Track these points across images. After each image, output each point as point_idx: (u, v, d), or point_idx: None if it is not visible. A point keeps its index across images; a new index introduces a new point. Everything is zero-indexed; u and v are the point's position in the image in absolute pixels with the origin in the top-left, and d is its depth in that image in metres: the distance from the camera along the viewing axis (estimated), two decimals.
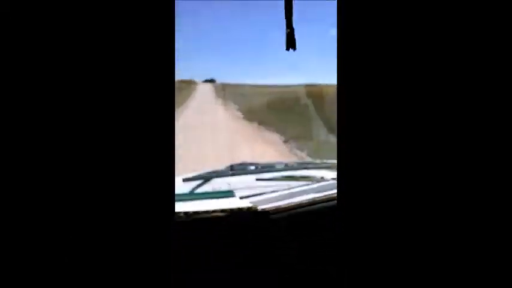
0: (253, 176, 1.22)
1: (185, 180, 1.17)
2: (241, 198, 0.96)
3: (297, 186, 0.90)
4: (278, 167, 1.29)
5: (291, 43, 0.67)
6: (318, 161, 1.31)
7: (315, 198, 0.80)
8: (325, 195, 0.80)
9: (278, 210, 0.76)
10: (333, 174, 1.13)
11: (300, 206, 0.78)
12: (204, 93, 14.17)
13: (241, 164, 1.37)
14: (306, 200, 0.80)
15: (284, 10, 0.66)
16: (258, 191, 1.00)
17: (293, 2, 0.66)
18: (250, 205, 0.80)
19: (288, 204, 0.79)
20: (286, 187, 0.98)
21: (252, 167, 1.33)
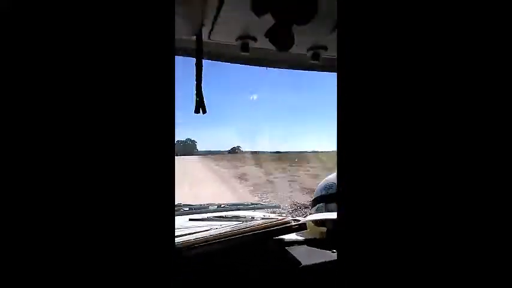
0: (187, 217, 1.24)
1: None
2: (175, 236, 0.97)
3: (228, 226, 0.95)
4: (211, 208, 1.33)
5: (200, 108, 0.81)
6: (249, 202, 1.38)
7: (227, 231, 0.85)
8: (239, 229, 0.86)
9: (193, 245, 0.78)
10: (263, 214, 1.21)
11: (213, 239, 0.81)
12: None
13: (175, 206, 1.37)
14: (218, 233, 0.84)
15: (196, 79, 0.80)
16: (190, 231, 1.02)
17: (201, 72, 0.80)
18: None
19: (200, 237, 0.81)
20: (218, 226, 1.02)
21: (186, 208, 1.34)
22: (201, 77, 0.82)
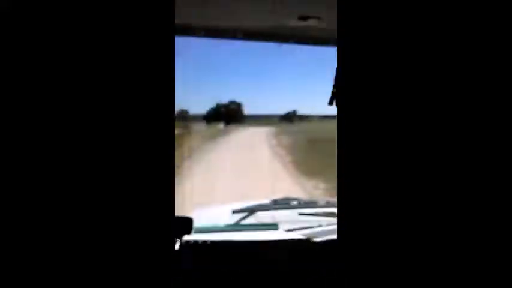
0: (296, 211, 1.27)
1: (234, 212, 1.25)
2: (287, 231, 1.01)
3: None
4: (320, 203, 1.34)
5: (332, 100, 0.78)
6: None
7: None
8: None
9: None
10: None
11: None
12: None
13: (284, 199, 1.43)
14: None
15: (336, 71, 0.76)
16: (302, 225, 1.05)
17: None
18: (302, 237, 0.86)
19: None
20: (328, 222, 1.02)
21: (295, 202, 1.38)
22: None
